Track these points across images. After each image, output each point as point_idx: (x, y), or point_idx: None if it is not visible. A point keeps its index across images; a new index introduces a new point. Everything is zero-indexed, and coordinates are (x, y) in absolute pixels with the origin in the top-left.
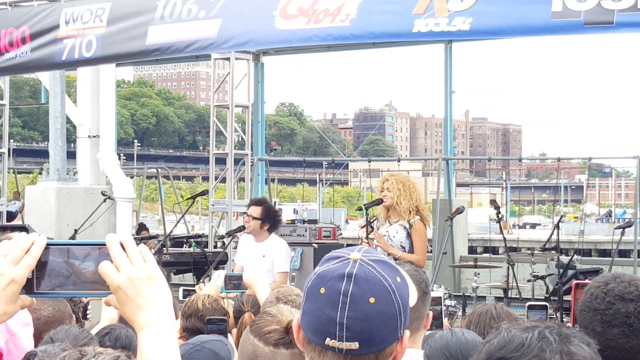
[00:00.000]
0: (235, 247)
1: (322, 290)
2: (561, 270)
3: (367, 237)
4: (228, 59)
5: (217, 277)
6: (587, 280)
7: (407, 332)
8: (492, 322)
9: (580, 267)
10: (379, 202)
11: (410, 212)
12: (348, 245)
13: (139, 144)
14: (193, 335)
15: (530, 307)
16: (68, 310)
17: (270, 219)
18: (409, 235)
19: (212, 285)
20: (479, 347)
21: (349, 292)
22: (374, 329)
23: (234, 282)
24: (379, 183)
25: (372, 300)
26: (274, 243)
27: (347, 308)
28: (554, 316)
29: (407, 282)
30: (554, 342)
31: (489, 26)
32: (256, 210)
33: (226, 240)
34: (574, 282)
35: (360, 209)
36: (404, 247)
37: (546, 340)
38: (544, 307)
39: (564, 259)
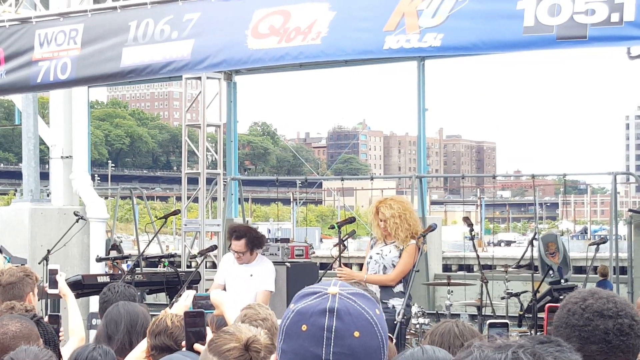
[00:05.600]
0: (212, 267)
1: (304, 327)
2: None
3: (340, 256)
4: (199, 78)
5: (186, 297)
6: (558, 304)
7: None
8: (457, 341)
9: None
10: (352, 220)
11: (407, 238)
12: (322, 264)
13: (113, 165)
14: (162, 354)
15: (491, 325)
16: (35, 331)
17: (256, 245)
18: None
19: (181, 305)
20: None
21: (333, 327)
22: None
23: (202, 302)
24: (373, 207)
25: (356, 334)
26: (260, 262)
27: (332, 344)
28: (529, 334)
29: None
30: None
31: (461, 42)
32: (240, 245)
33: (199, 260)
34: (547, 305)
35: (333, 227)
36: (394, 266)
37: None
38: (505, 325)
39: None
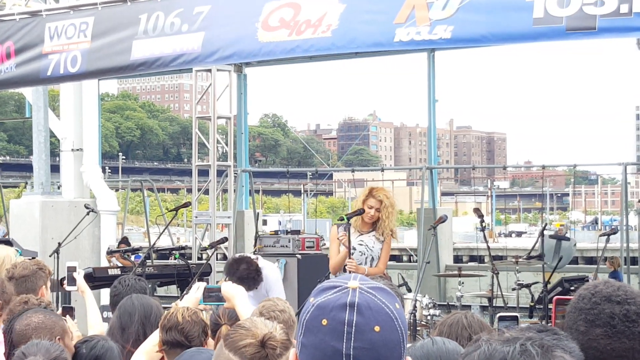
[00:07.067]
0: (222, 259)
1: (324, 322)
2: (546, 278)
3: (349, 248)
4: (210, 70)
5: (197, 290)
6: (569, 296)
7: (409, 358)
8: (464, 332)
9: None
10: (361, 212)
11: (389, 230)
12: None
13: (124, 157)
14: (173, 349)
15: (501, 319)
16: (61, 324)
17: (251, 286)
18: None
19: (191, 298)
20: None
21: (354, 321)
22: (381, 357)
23: (213, 294)
24: (364, 193)
25: (377, 328)
26: (263, 271)
27: (352, 338)
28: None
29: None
30: (536, 356)
31: (471, 34)
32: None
33: (209, 252)
34: (555, 297)
35: (342, 219)
36: (379, 258)
37: (528, 353)
38: (515, 318)
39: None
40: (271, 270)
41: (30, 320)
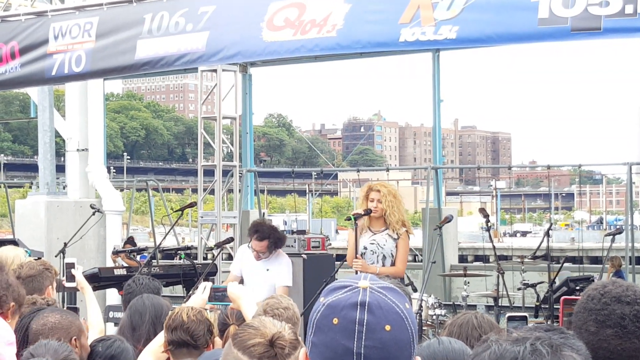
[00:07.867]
0: (228, 259)
1: (335, 321)
2: (552, 277)
3: (356, 248)
4: (215, 70)
5: (203, 289)
6: (576, 296)
7: (418, 358)
8: (474, 332)
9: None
10: (369, 212)
11: (398, 223)
12: (337, 255)
13: (129, 157)
14: (179, 349)
15: (510, 319)
16: (77, 324)
17: (278, 246)
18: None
19: (198, 298)
20: None
21: (365, 320)
22: (391, 356)
23: (219, 294)
24: (363, 190)
25: (387, 327)
26: (277, 257)
27: (363, 337)
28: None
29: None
30: (546, 355)
31: (476, 34)
32: (262, 246)
33: (215, 252)
34: (563, 297)
35: (349, 219)
36: (393, 256)
37: (539, 353)
38: (524, 318)
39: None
40: (284, 256)
41: (46, 320)
